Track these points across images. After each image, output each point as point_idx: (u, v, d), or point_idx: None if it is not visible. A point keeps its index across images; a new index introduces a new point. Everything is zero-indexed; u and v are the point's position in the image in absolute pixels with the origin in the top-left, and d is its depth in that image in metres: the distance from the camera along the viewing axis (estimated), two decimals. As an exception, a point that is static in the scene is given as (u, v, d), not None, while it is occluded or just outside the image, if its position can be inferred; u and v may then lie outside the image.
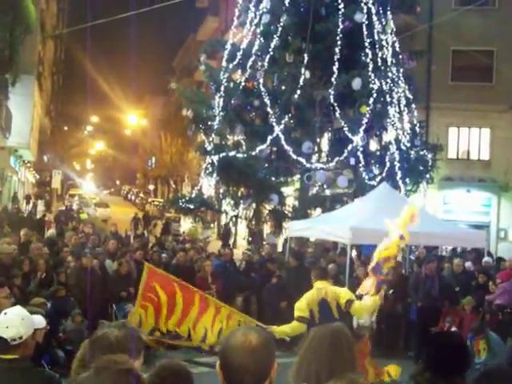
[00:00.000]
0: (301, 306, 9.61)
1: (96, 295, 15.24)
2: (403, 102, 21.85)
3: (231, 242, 32.25)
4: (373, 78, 20.35)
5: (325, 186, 22.13)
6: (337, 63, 20.22)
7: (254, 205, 22.45)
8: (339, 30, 20.35)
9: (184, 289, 9.58)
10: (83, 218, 33.02)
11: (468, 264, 18.12)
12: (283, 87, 21.70)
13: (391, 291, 16.20)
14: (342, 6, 20.54)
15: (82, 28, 27.36)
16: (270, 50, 21.00)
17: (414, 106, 22.72)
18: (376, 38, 20.95)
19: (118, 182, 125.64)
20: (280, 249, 23.23)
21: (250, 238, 30.48)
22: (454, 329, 14.57)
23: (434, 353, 4.60)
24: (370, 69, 20.43)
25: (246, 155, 20.83)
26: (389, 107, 21.06)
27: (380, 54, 20.97)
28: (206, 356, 10.44)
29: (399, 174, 20.89)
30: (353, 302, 9.52)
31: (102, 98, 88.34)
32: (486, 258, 18.37)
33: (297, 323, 9.53)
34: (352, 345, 4.32)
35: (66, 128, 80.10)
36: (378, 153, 21.99)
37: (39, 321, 5.58)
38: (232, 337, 3.08)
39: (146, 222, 46.40)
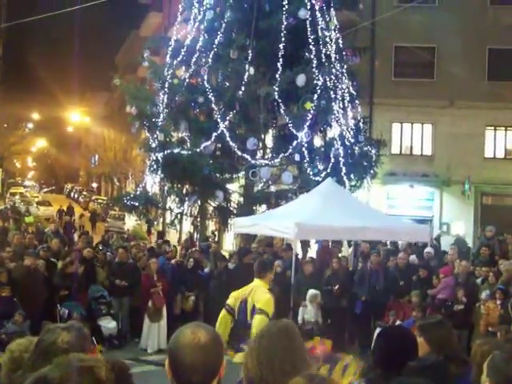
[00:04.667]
0: (233, 295, 9.22)
1: (40, 295, 15.03)
2: (347, 98, 21.95)
3: (176, 239, 32.09)
4: (317, 74, 20.40)
5: (270, 183, 22.17)
6: (281, 59, 20.17)
7: (199, 202, 22.34)
8: (283, 26, 20.36)
9: None
10: (28, 221, 32.05)
11: (412, 257, 18.36)
12: (227, 84, 21.62)
13: (336, 286, 16.36)
14: (285, 2, 20.50)
15: (22, 24, 26.85)
16: (214, 46, 20.85)
17: (357, 101, 22.87)
18: (320, 34, 21.00)
19: (60, 180, 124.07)
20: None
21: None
22: (398, 322, 14.78)
23: (384, 348, 4.60)
24: (314, 65, 20.46)
25: (190, 152, 20.67)
26: (333, 103, 21.12)
27: (324, 51, 21.02)
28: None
29: (344, 170, 20.99)
30: (261, 313, 8.59)
31: (43, 94, 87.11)
32: (428, 249, 18.63)
33: (223, 311, 9.09)
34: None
35: (5, 125, 78.53)
36: (323, 149, 22.02)
37: None
38: (181, 335, 3.05)
39: (70, 214, 49.61)
